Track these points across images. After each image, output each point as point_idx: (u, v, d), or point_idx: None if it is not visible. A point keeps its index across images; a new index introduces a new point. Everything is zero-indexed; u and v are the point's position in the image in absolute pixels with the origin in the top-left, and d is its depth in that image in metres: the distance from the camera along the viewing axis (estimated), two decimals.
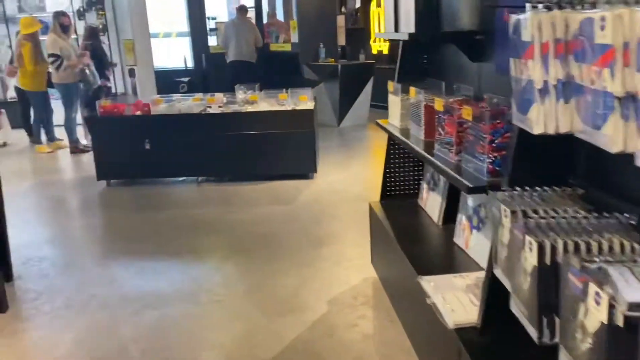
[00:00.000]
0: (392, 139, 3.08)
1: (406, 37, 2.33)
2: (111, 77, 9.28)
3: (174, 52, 12.83)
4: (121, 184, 5.71)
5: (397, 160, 3.26)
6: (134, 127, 5.52)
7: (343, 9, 10.78)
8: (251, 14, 10.46)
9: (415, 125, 2.67)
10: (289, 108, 5.51)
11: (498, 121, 1.88)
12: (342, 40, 10.46)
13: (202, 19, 10.79)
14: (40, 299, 3.20)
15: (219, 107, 5.64)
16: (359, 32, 10.59)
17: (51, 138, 7.61)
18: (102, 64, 8.54)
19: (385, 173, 3.25)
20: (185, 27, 12.15)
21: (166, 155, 5.53)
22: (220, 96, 5.82)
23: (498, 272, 1.59)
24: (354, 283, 3.25)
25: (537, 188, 1.55)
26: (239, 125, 5.45)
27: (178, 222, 4.56)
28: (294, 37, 8.99)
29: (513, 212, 1.45)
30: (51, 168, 6.79)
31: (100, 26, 9.75)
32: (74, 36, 9.85)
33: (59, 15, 7.05)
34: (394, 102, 2.92)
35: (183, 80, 12.28)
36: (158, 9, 12.55)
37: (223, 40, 9.41)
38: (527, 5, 1.34)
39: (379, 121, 3.14)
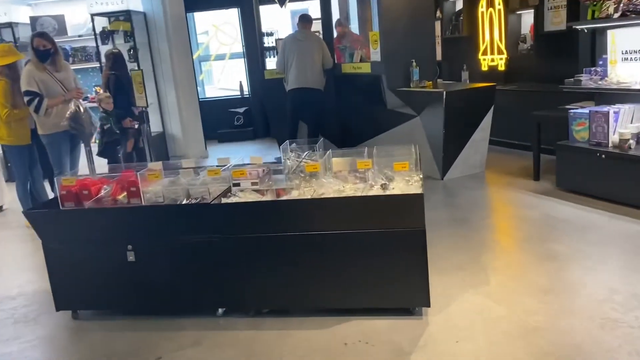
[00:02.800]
0: None
1: None
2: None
3: (228, 78, 10.75)
4: (95, 316, 3.41)
5: None
6: (109, 225, 3.21)
7: (438, 14, 8.19)
8: (317, 26, 8.09)
9: None
10: (376, 190, 2.99)
11: None
12: (437, 54, 7.89)
13: (258, 36, 8.54)
14: None
15: (252, 184, 3.23)
16: (462, 42, 7.94)
17: None
18: (129, 97, 6.49)
19: None
20: (240, 46, 10.04)
21: (163, 274, 3.19)
22: (256, 163, 3.42)
23: None
24: None
25: None
26: (285, 221, 3.00)
27: None
28: (375, 54, 6.49)
29: None
30: (21, 264, 4.63)
31: (132, 51, 7.77)
32: (90, 65, 7.97)
33: (33, 37, 4.97)
34: None
35: (239, 111, 10.15)
36: (208, 24, 10.52)
37: (280, 62, 7.07)
38: None
39: None
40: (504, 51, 7.12)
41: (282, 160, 3.32)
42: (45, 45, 4.95)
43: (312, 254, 2.99)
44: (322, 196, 2.98)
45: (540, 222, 4.36)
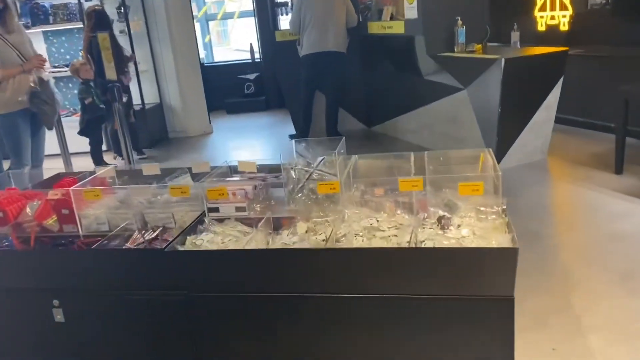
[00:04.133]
0: None
1: None
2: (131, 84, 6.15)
3: (237, 39, 9.54)
4: None
5: None
6: (25, 270, 2.15)
7: None
8: None
9: None
10: (429, 228, 1.86)
11: None
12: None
13: None
14: None
15: (237, 209, 2.12)
16: None
17: None
18: (116, 64, 5.37)
19: None
20: (250, 3, 8.79)
21: (103, 342, 2.14)
22: (247, 171, 2.31)
23: None
24: None
25: None
26: (283, 276, 1.90)
27: None
28: (411, 11, 5.22)
29: None
30: None
31: (121, 8, 6.62)
32: (74, 25, 6.79)
33: None
34: None
35: (249, 77, 8.95)
36: None
37: (295, 21, 5.89)
38: None
39: None
40: (569, 6, 5.77)
41: (282, 173, 2.18)
42: None
43: (327, 326, 1.90)
44: (342, 242, 1.86)
45: None
